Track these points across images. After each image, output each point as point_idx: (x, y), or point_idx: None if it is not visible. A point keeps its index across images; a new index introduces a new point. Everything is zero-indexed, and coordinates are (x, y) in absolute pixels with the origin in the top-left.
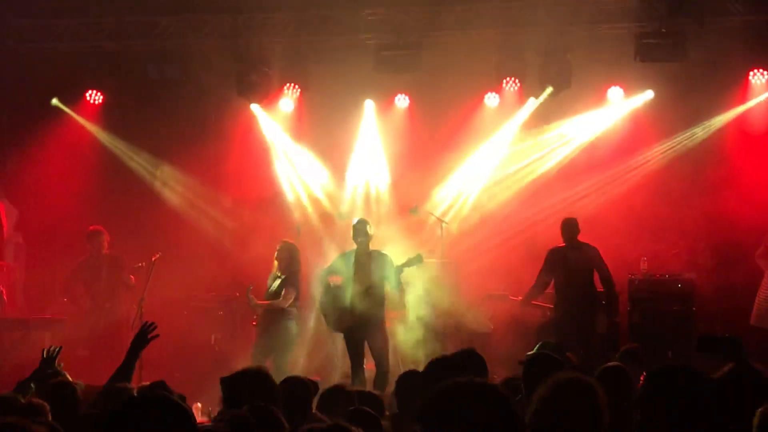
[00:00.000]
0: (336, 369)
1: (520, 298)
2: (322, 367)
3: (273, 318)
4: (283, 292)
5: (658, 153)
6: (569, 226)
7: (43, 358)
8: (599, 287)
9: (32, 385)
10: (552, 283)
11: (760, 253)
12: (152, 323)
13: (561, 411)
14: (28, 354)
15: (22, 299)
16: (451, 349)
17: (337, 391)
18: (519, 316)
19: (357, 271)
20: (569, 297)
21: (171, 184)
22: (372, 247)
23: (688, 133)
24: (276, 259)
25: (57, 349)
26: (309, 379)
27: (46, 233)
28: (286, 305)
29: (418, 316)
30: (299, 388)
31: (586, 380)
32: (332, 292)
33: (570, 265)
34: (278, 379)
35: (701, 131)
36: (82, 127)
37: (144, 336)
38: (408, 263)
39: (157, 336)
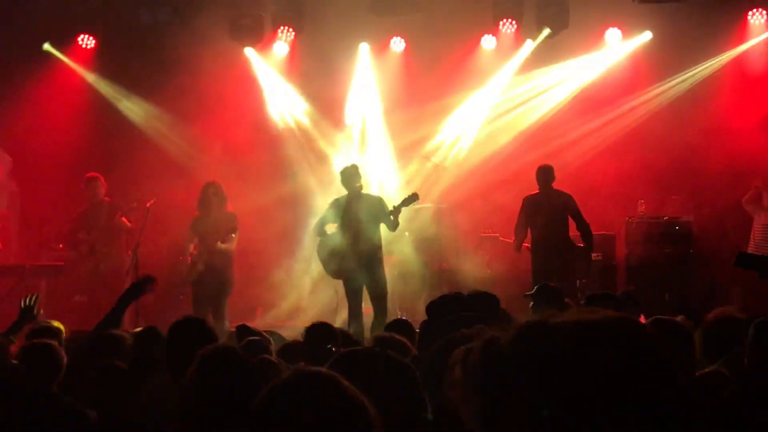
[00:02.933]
0: (337, 316)
1: (512, 240)
2: (322, 315)
3: (221, 262)
4: (227, 237)
5: (656, 95)
6: (544, 173)
7: (22, 308)
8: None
9: (11, 337)
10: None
11: (747, 198)
12: (152, 278)
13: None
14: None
15: (17, 246)
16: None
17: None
18: (515, 259)
19: (350, 216)
20: (546, 244)
21: (164, 130)
22: (365, 191)
23: (686, 75)
24: (203, 202)
25: (34, 298)
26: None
27: (40, 180)
28: (233, 248)
29: (415, 262)
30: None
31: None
32: (328, 240)
33: (544, 212)
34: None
35: (699, 72)
36: (75, 72)
37: (139, 288)
38: (404, 202)
39: (151, 290)
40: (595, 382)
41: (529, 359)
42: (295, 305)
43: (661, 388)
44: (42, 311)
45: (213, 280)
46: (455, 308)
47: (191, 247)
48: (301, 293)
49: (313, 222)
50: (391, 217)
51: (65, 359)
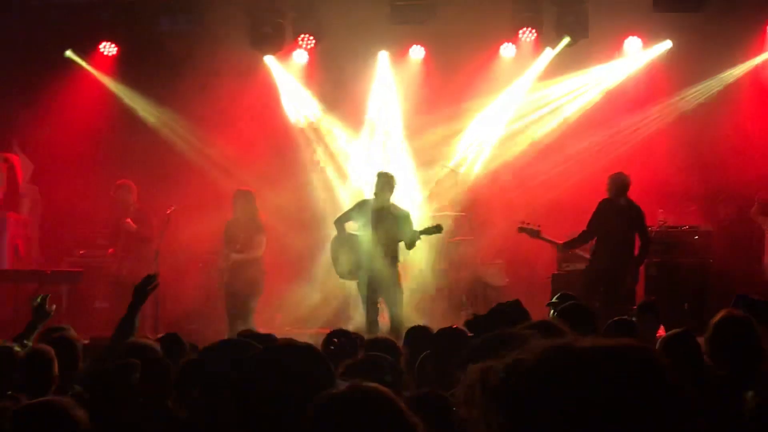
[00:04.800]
0: (350, 320)
1: (552, 239)
2: (336, 318)
3: (247, 268)
4: (255, 241)
5: (675, 104)
6: (618, 181)
7: (34, 307)
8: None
9: (25, 341)
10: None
11: (755, 211)
12: (152, 276)
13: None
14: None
15: (37, 252)
16: (466, 303)
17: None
18: (534, 267)
19: (376, 224)
20: (609, 249)
21: (185, 137)
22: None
23: (705, 84)
24: (234, 208)
25: (43, 297)
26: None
27: (62, 186)
28: (260, 254)
29: (433, 270)
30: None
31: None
32: (346, 239)
33: (617, 220)
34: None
35: (718, 82)
36: (96, 79)
37: (143, 289)
38: (426, 231)
39: (155, 286)
40: (618, 409)
41: (554, 382)
42: (310, 312)
43: (675, 419)
44: (54, 307)
45: (239, 286)
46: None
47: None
48: (316, 300)
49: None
50: (411, 240)
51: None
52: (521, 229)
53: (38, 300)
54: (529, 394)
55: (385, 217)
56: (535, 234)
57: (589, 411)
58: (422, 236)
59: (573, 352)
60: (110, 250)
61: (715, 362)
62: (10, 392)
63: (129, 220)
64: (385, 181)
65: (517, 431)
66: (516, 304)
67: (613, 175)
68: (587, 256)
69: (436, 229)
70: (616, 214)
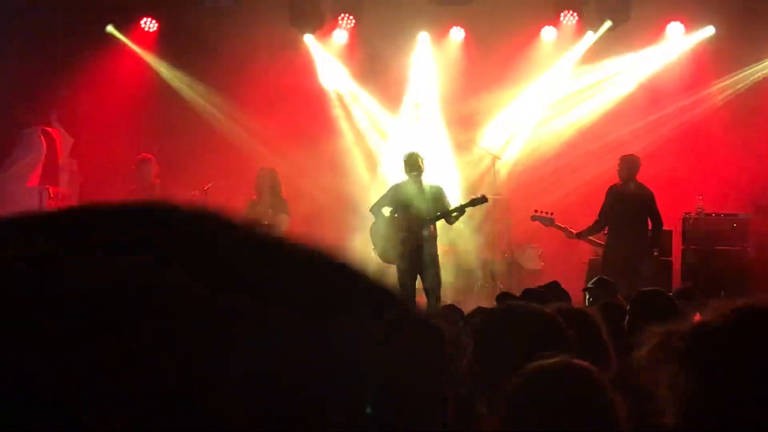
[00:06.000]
0: None
1: (566, 226)
2: None
3: None
4: (278, 220)
5: (717, 91)
6: (630, 163)
7: None
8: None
9: None
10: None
11: None
12: None
13: None
14: None
15: None
16: (500, 287)
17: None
18: (570, 252)
19: (411, 204)
20: (621, 237)
21: (224, 114)
22: (425, 179)
23: (748, 71)
24: (257, 187)
25: None
26: None
27: (100, 161)
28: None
29: (468, 253)
30: None
31: None
32: (383, 222)
33: (625, 204)
34: None
35: (762, 69)
36: (137, 55)
37: None
38: (472, 202)
39: None
40: None
41: (745, 343)
42: None
43: None
44: None
45: None
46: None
47: None
48: None
49: (372, 203)
50: (455, 214)
51: None
52: (534, 218)
53: None
54: (718, 356)
55: (419, 195)
56: (549, 222)
57: None
58: (468, 209)
59: (762, 312)
60: None
61: None
62: None
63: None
64: (414, 161)
65: (706, 393)
66: (555, 286)
67: (624, 156)
68: (602, 242)
69: (480, 199)
70: (625, 200)
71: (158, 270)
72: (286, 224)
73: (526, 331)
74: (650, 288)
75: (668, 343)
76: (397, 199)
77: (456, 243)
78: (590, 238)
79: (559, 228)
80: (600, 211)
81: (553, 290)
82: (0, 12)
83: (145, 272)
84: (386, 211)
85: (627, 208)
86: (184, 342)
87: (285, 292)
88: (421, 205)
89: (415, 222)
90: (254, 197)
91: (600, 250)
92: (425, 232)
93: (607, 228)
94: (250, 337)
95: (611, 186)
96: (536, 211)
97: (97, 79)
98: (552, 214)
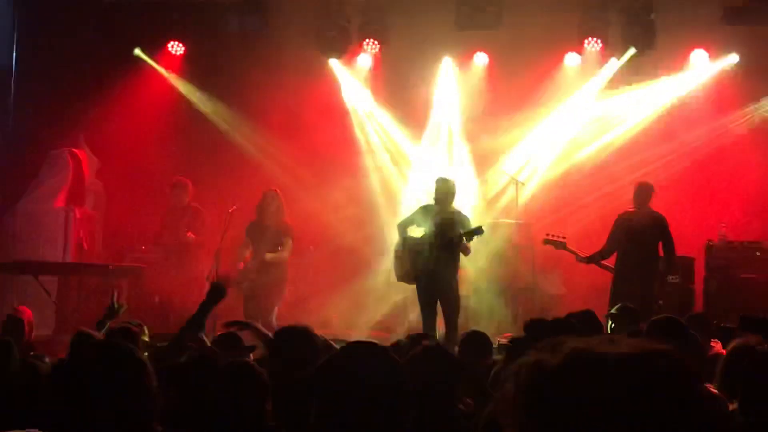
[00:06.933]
0: (403, 323)
1: (576, 251)
2: (390, 320)
3: (272, 272)
4: (285, 243)
5: (741, 119)
6: (642, 190)
7: (108, 306)
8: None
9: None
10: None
11: None
12: (227, 279)
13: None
14: (107, 301)
15: (100, 247)
16: (522, 312)
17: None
18: (593, 278)
19: (438, 228)
20: (631, 268)
21: (249, 136)
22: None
23: None
24: (261, 208)
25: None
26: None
27: (126, 182)
28: (286, 257)
29: (490, 278)
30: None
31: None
32: (407, 243)
33: (635, 231)
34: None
35: None
36: (163, 78)
37: (218, 291)
38: (468, 234)
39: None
40: (635, 416)
41: (574, 386)
42: (366, 314)
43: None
44: (126, 307)
45: (263, 289)
46: (555, 331)
47: (247, 252)
48: (373, 302)
49: (394, 226)
50: (453, 241)
51: None
52: (546, 241)
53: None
54: (548, 396)
55: (447, 223)
56: (561, 246)
57: (607, 420)
58: (466, 239)
59: (596, 358)
60: (143, 248)
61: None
62: None
63: (190, 233)
64: (447, 187)
65: (536, 430)
66: (589, 316)
67: (641, 182)
68: (612, 267)
69: (476, 231)
70: (634, 227)
71: None
72: (290, 249)
73: None
74: (663, 315)
75: (517, 376)
76: (423, 221)
77: (477, 267)
78: (602, 263)
79: (571, 252)
80: (607, 240)
81: (587, 320)
82: (31, 36)
83: None
84: (411, 230)
85: (635, 235)
86: None
87: None
88: (446, 231)
89: (436, 246)
90: (253, 218)
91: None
92: (449, 258)
93: (616, 254)
94: None
95: (620, 214)
96: (548, 234)
97: (123, 102)
98: (564, 237)
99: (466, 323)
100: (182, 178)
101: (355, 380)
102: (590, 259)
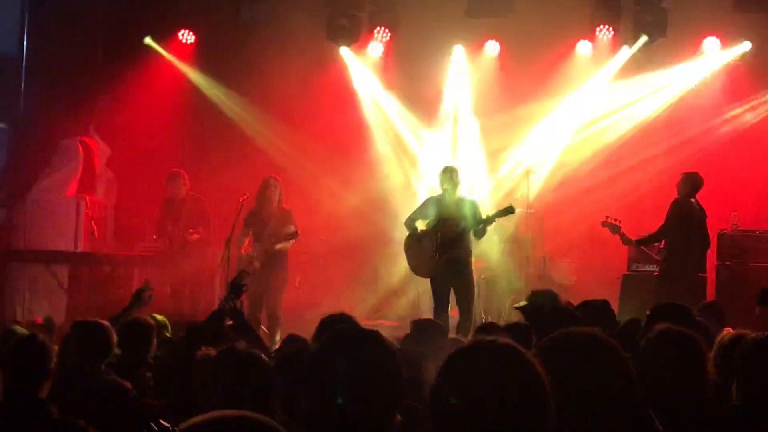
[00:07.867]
0: (421, 313)
1: (625, 233)
2: (407, 311)
3: (277, 261)
4: (290, 230)
5: (753, 106)
6: (691, 180)
7: (132, 294)
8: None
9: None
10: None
11: None
12: (246, 272)
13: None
14: (116, 289)
15: (111, 236)
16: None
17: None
18: (604, 266)
19: (445, 217)
20: (684, 254)
21: (259, 125)
22: (460, 193)
23: None
24: (263, 195)
25: (141, 290)
26: None
27: (137, 171)
28: (289, 246)
29: (502, 266)
30: None
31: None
32: (417, 236)
33: (690, 222)
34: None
35: None
36: (174, 67)
37: (237, 286)
38: (498, 214)
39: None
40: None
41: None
42: (378, 305)
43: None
44: (151, 297)
45: (268, 279)
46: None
47: (245, 240)
48: (386, 294)
49: (406, 217)
50: (481, 225)
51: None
52: (604, 224)
53: (143, 287)
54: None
55: (453, 209)
56: (616, 230)
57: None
58: (495, 220)
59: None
60: (154, 237)
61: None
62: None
63: (191, 231)
64: (450, 175)
65: None
66: (603, 305)
67: (688, 172)
68: (658, 258)
69: (507, 210)
70: (689, 216)
71: None
72: (297, 233)
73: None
74: (665, 302)
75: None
76: (431, 212)
77: (489, 256)
78: (644, 250)
79: (622, 236)
80: (664, 225)
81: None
82: (40, 24)
83: None
84: (420, 224)
85: (690, 227)
86: None
87: None
88: (456, 219)
89: (449, 236)
90: (252, 205)
91: (649, 266)
92: (459, 246)
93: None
94: None
95: (676, 200)
96: (607, 217)
97: (134, 91)
98: (619, 221)
99: (478, 313)
100: (176, 170)
101: (348, 366)
102: (637, 243)
